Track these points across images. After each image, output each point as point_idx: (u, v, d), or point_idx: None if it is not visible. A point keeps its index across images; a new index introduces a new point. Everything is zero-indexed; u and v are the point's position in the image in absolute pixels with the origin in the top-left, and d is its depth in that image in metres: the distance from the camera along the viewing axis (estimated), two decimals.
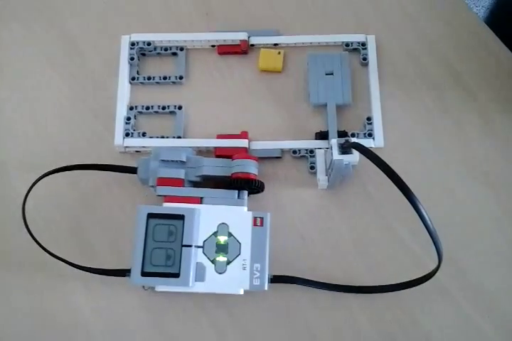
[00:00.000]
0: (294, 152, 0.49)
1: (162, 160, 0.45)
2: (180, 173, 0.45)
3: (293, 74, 0.52)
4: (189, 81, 0.52)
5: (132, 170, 0.46)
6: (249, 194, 0.46)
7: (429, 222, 0.36)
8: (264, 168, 0.48)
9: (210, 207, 0.44)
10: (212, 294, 0.44)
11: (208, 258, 0.42)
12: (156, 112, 0.51)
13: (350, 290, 0.45)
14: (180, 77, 0.51)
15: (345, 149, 0.42)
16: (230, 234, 0.43)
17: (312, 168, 0.48)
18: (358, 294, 0.45)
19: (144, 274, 0.41)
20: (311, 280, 0.45)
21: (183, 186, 0.45)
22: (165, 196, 0.44)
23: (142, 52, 0.53)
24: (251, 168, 0.45)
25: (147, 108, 0.51)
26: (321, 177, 0.47)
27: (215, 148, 0.49)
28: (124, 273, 0.43)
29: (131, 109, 0.51)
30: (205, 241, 0.43)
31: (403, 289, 0.44)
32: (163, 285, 0.42)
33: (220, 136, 0.49)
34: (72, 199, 0.49)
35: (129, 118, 0.50)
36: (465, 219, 0.47)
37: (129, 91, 0.52)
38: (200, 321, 0.45)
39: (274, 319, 0.45)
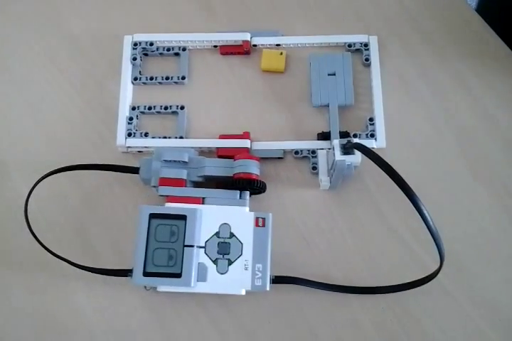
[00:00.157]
0: (296, 152, 0.49)
1: (164, 161, 0.45)
2: (182, 173, 0.45)
3: (295, 74, 0.52)
4: (191, 81, 0.52)
5: (134, 170, 0.46)
6: (251, 194, 0.46)
7: (431, 223, 0.36)
8: (266, 168, 0.48)
9: (212, 208, 0.44)
10: (214, 294, 0.44)
11: (210, 258, 0.42)
12: (159, 112, 0.51)
13: (351, 291, 0.45)
14: (183, 78, 0.51)
15: (347, 150, 0.42)
16: (231, 235, 0.43)
17: (314, 168, 0.48)
18: (359, 295, 0.45)
19: (145, 274, 0.41)
20: (313, 281, 0.45)
21: (185, 186, 0.45)
22: (167, 196, 0.44)
23: (144, 52, 0.53)
24: (253, 168, 0.45)
25: (149, 108, 0.51)
26: (323, 177, 0.47)
27: (217, 148, 0.49)
28: (126, 273, 0.43)
29: (133, 109, 0.51)
30: (207, 241, 0.43)
31: (405, 290, 0.44)
32: (165, 286, 0.42)
33: (222, 137, 0.49)
34: (74, 199, 0.49)
35: (131, 119, 0.50)
36: (467, 219, 0.47)
37: (131, 92, 0.52)
38: (202, 321, 0.45)
39: (276, 319, 0.45)
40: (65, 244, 0.47)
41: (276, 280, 0.44)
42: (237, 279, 0.42)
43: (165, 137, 0.50)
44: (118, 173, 0.47)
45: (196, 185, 0.46)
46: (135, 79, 0.52)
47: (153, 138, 0.50)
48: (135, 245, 0.42)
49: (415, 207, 0.36)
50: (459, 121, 0.50)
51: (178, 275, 0.41)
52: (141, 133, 0.50)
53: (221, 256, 0.42)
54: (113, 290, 0.46)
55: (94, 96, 0.52)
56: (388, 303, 0.45)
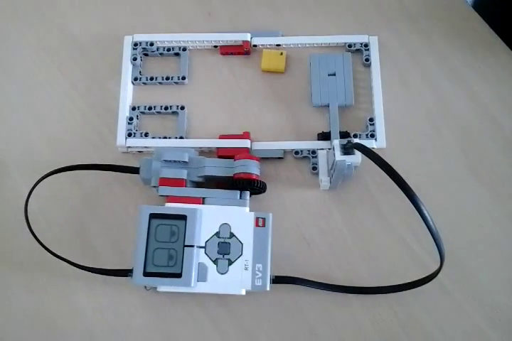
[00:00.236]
0: (296, 153, 0.49)
1: (164, 161, 0.45)
2: (182, 173, 0.45)
3: (295, 74, 0.52)
4: (191, 81, 0.52)
5: (134, 171, 0.46)
6: (251, 194, 0.46)
7: (431, 223, 0.36)
8: (266, 168, 0.48)
9: (212, 208, 0.44)
10: (214, 294, 0.44)
11: (210, 258, 0.42)
12: (159, 112, 0.51)
13: (352, 291, 0.45)
14: (183, 78, 0.51)
15: (347, 150, 0.42)
16: (232, 235, 0.43)
17: (314, 168, 0.48)
18: (359, 295, 0.45)
19: (146, 274, 0.41)
20: (313, 281, 0.45)
21: (185, 186, 0.45)
22: (167, 196, 0.44)
23: (145, 52, 0.53)
24: (253, 168, 0.45)
25: (150, 108, 0.51)
26: (323, 178, 0.47)
27: (218, 148, 0.49)
28: (126, 273, 0.43)
29: (133, 109, 0.51)
30: (207, 241, 0.43)
31: (405, 290, 0.44)
32: (165, 286, 0.42)
33: (223, 137, 0.49)
34: (74, 199, 0.49)
35: (131, 119, 0.50)
36: (467, 219, 0.47)
37: (131, 92, 0.52)
38: (202, 321, 0.45)
39: (276, 319, 0.45)
40: (65, 243, 0.47)
41: (277, 280, 0.44)
42: (238, 279, 0.42)
43: (165, 137, 0.50)
44: (118, 173, 0.47)
45: (196, 185, 0.46)
46: (135, 79, 0.52)
47: (153, 138, 0.50)
48: (135, 245, 0.42)
49: (415, 207, 0.36)
50: (459, 121, 0.50)
51: (179, 276, 0.41)
52: (141, 133, 0.50)
53: (221, 256, 0.43)
54: (113, 290, 0.46)
55: (95, 97, 0.52)
56: (388, 303, 0.45)
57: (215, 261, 0.42)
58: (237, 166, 0.45)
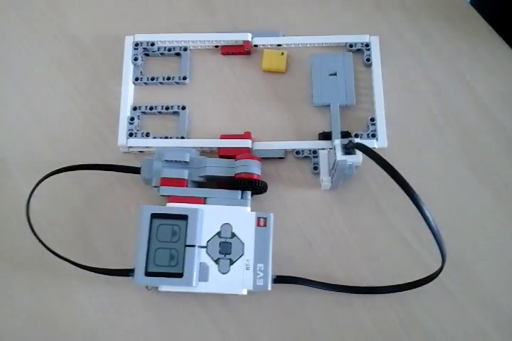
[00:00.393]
0: (297, 152, 0.49)
1: (166, 161, 0.45)
2: (183, 173, 0.45)
3: (296, 74, 0.52)
4: (192, 81, 0.52)
5: (136, 170, 0.46)
6: (252, 194, 0.46)
7: (432, 223, 0.36)
8: (268, 168, 0.48)
9: (214, 208, 0.44)
10: (216, 294, 0.44)
11: (212, 258, 0.42)
12: (160, 112, 0.51)
13: (353, 291, 0.45)
14: (184, 78, 0.51)
15: (348, 150, 0.42)
16: (233, 235, 0.43)
17: (315, 168, 0.48)
18: (361, 295, 0.45)
19: (147, 274, 0.41)
20: (314, 281, 0.45)
21: (187, 186, 0.45)
22: (168, 196, 0.44)
23: (146, 52, 0.53)
24: (254, 168, 0.45)
25: (151, 108, 0.51)
26: (324, 177, 0.47)
27: (219, 148, 0.49)
28: (127, 273, 0.43)
29: (134, 109, 0.51)
30: (208, 241, 0.43)
31: (406, 290, 0.44)
32: (166, 285, 0.42)
33: (224, 137, 0.49)
34: (75, 199, 0.49)
35: (132, 119, 0.50)
36: (468, 219, 0.47)
37: (132, 92, 0.52)
38: (204, 321, 0.45)
39: (277, 319, 0.45)
40: (66, 243, 0.47)
41: (278, 280, 0.44)
42: (239, 279, 0.42)
43: (166, 137, 0.50)
44: (119, 173, 0.47)
45: (197, 185, 0.46)
46: (136, 79, 0.52)
47: (154, 138, 0.50)
48: (137, 245, 0.42)
49: (417, 207, 0.36)
50: (461, 121, 0.50)
51: (180, 275, 0.41)
52: (142, 133, 0.50)
53: (223, 255, 0.43)
54: (115, 290, 0.46)
55: (96, 97, 0.52)
56: (390, 303, 0.45)
57: (216, 261, 0.42)
58: (239, 166, 0.45)
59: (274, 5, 0.54)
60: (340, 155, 0.42)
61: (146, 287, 0.45)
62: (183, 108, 0.51)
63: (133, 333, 0.45)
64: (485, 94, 0.50)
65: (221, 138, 0.49)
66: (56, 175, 0.46)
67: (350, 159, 0.41)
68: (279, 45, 0.52)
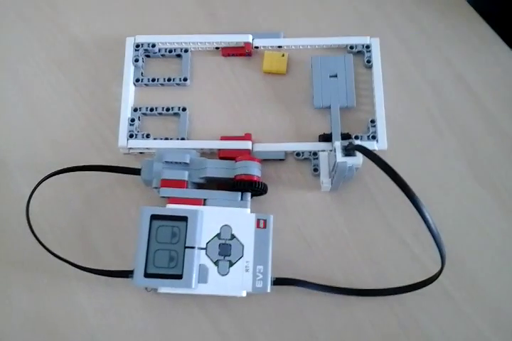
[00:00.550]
0: (298, 154, 0.49)
1: (166, 162, 0.45)
2: (183, 175, 0.45)
3: (297, 76, 0.52)
4: (193, 83, 0.52)
5: (136, 172, 0.46)
6: (252, 196, 0.46)
7: (432, 225, 0.36)
8: (268, 170, 0.48)
9: (214, 209, 0.44)
10: (215, 296, 0.44)
11: (211, 259, 0.42)
12: (160, 114, 0.51)
13: (352, 293, 0.45)
14: (185, 79, 0.52)
15: (348, 151, 0.42)
16: (233, 236, 0.43)
17: (315, 170, 0.48)
18: (360, 297, 0.45)
19: (147, 275, 0.41)
20: (314, 283, 0.45)
21: (187, 188, 0.45)
22: (168, 197, 0.44)
23: (147, 53, 0.53)
24: (254, 169, 0.45)
25: (151, 109, 0.51)
26: (325, 179, 0.47)
27: (219, 149, 0.49)
28: (127, 274, 0.43)
29: (135, 110, 0.51)
30: (208, 242, 0.43)
31: (406, 292, 0.44)
32: (165, 287, 0.42)
33: (224, 138, 0.49)
34: (76, 200, 0.49)
35: (133, 120, 0.50)
36: (468, 222, 0.47)
37: (133, 93, 0.52)
38: (203, 323, 0.45)
39: (277, 321, 0.45)
40: (66, 245, 0.47)
41: (277, 281, 0.44)
42: (238, 281, 0.42)
43: (166, 138, 0.50)
44: (119, 174, 0.47)
45: (197, 186, 0.46)
46: (137, 80, 0.52)
47: (154, 139, 0.50)
48: (136, 246, 0.42)
49: (416, 209, 0.36)
50: (461, 123, 0.50)
51: (179, 277, 0.41)
52: (142, 134, 0.50)
53: (222, 257, 0.43)
54: (114, 292, 0.46)
55: (96, 98, 0.52)
56: (389, 305, 0.45)
57: (215, 263, 0.42)
58: (239, 167, 0.45)
59: (275, 6, 0.54)
60: (340, 157, 0.42)
61: (146, 288, 0.45)
62: (184, 109, 0.51)
63: (132, 334, 0.45)
64: (486, 96, 0.50)
65: (221, 140, 0.49)
66: (56, 176, 0.46)
67: (350, 161, 0.41)
68: (279, 46, 0.52)
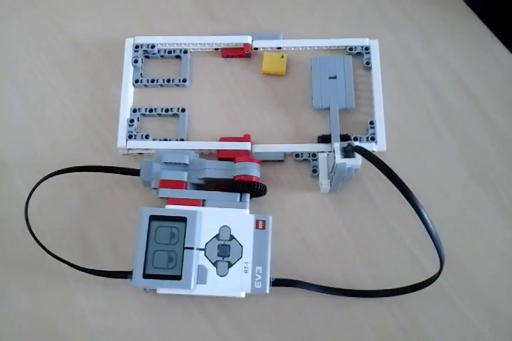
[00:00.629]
0: (297, 155, 0.49)
1: (165, 163, 0.45)
2: (182, 176, 0.45)
3: (296, 77, 0.52)
4: (192, 84, 0.52)
5: (135, 172, 0.46)
6: (251, 197, 0.46)
7: (431, 226, 0.36)
8: (267, 171, 0.48)
9: (212, 210, 0.44)
10: (214, 297, 0.44)
11: (210, 260, 0.42)
12: (160, 115, 0.51)
13: (351, 294, 0.45)
14: (184, 80, 0.52)
15: (347, 153, 0.42)
16: (231, 237, 0.43)
17: (314, 171, 0.48)
18: (359, 298, 0.45)
19: (145, 276, 0.41)
20: (313, 284, 0.45)
21: (186, 188, 0.45)
22: (167, 198, 0.44)
23: (146, 54, 0.53)
24: (253, 170, 0.45)
25: (150, 110, 0.51)
26: (324, 180, 0.47)
27: (218, 150, 0.49)
28: (125, 275, 0.43)
29: (134, 111, 0.51)
30: (207, 243, 0.43)
31: (405, 293, 0.44)
32: (164, 288, 0.42)
33: (223, 139, 0.49)
34: (74, 200, 0.49)
35: (132, 121, 0.50)
36: (467, 223, 0.47)
37: (132, 94, 0.52)
38: (201, 323, 0.45)
39: (275, 322, 0.45)
40: (65, 245, 0.47)
41: (276, 283, 0.44)
42: (237, 282, 0.42)
43: (166, 139, 0.50)
44: (118, 175, 0.47)
45: (196, 187, 0.46)
46: (136, 81, 0.52)
47: (153, 140, 0.50)
48: (135, 247, 0.42)
49: (415, 210, 0.36)
50: (460, 124, 0.50)
51: (178, 278, 0.41)
52: (141, 135, 0.50)
53: (221, 258, 0.43)
54: (113, 292, 0.46)
55: (96, 99, 0.52)
56: (388, 307, 0.45)
57: (214, 264, 0.42)
58: (238, 168, 0.45)
59: (275, 8, 0.54)
60: (339, 158, 0.42)
61: (144, 289, 0.45)
62: (183, 110, 0.51)
63: (131, 335, 0.45)
64: (485, 97, 0.50)
65: (220, 141, 0.49)
66: (55, 176, 0.46)
67: (349, 162, 0.41)
68: (279, 48, 0.52)
